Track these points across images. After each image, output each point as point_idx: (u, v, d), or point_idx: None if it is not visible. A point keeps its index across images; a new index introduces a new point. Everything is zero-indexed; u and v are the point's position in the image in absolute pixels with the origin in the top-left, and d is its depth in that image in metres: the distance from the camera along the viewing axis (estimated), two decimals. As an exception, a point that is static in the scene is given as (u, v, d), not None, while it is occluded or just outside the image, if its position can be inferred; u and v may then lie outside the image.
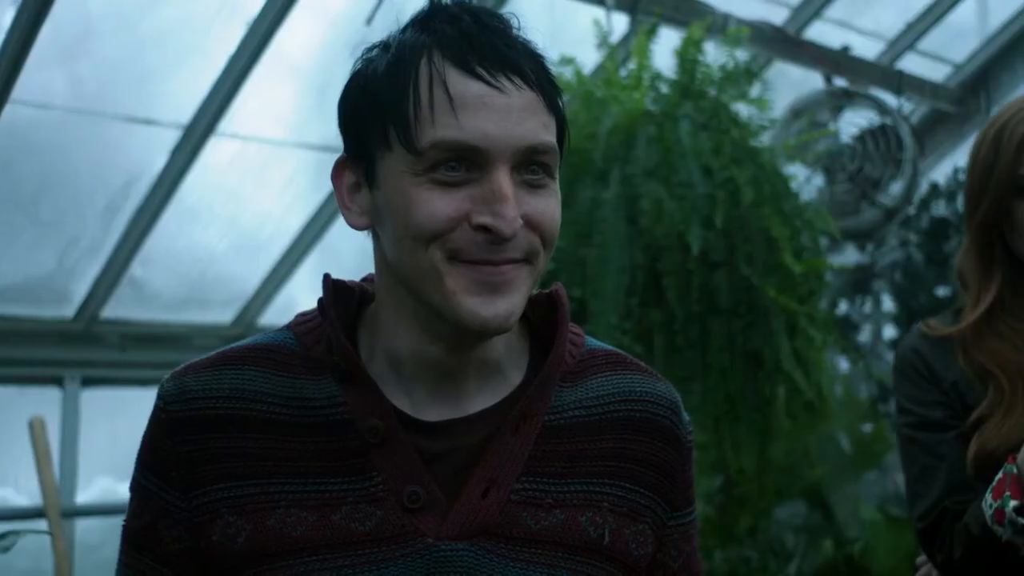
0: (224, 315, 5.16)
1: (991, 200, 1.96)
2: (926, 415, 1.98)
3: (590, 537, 1.27)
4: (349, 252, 4.83)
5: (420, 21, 1.25)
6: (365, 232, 1.30)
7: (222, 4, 4.08)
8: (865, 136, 5.17)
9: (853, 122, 5.23)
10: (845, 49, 5.55)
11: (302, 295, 5.08)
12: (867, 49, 5.84)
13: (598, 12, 4.28)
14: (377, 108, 1.22)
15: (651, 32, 3.77)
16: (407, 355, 1.27)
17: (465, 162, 1.19)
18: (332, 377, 1.27)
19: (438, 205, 1.19)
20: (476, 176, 1.20)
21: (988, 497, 1.80)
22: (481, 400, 1.29)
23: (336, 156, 1.30)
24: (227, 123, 4.35)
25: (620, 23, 4.57)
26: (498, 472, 1.25)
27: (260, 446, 1.25)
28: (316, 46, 4.48)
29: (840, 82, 5.39)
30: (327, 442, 1.25)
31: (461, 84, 1.19)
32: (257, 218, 4.94)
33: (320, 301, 1.30)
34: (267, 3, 4.03)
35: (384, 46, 1.26)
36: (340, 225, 4.65)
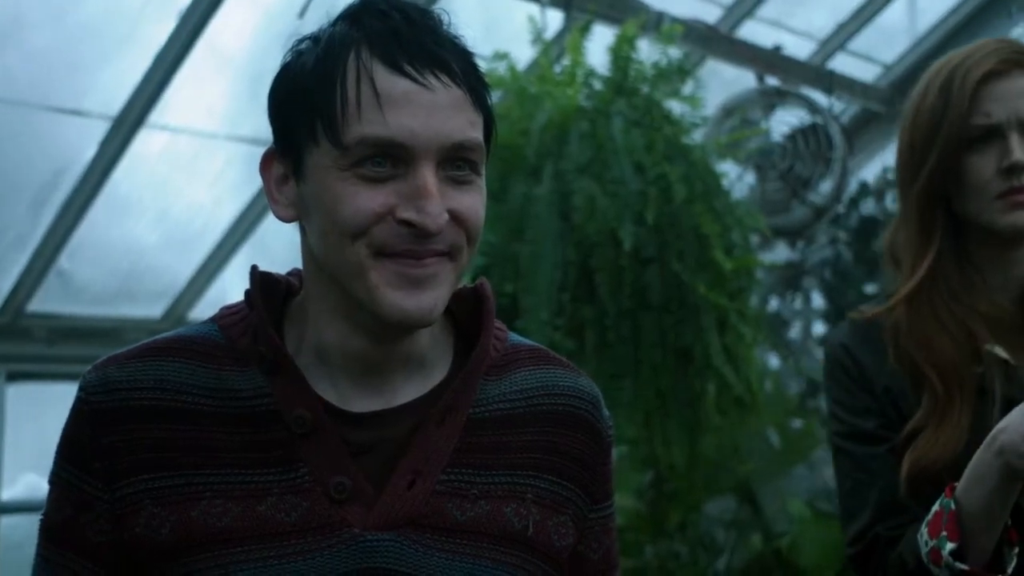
0: (154, 309, 5.11)
1: (939, 157, 1.75)
2: (856, 424, 1.78)
3: (515, 528, 1.29)
4: (281, 246, 4.81)
5: (350, 16, 1.26)
6: (296, 225, 1.30)
7: (152, -6, 4.04)
8: (796, 135, 5.22)
9: (784, 121, 5.28)
10: (777, 48, 5.61)
11: (234, 289, 5.05)
12: (799, 49, 5.90)
13: (533, 8, 4.28)
14: (305, 102, 1.23)
15: (585, 29, 3.79)
16: (333, 347, 1.28)
17: (391, 158, 1.20)
18: (258, 369, 1.27)
19: (363, 200, 1.20)
20: (402, 172, 1.21)
21: (924, 531, 1.61)
22: (407, 392, 1.29)
23: (268, 149, 1.31)
24: (157, 115, 4.31)
25: (554, 19, 4.58)
26: (424, 464, 1.26)
27: (184, 437, 1.24)
28: (249, 38, 4.45)
29: (772, 81, 5.44)
30: (253, 433, 1.25)
31: (388, 81, 1.20)
32: (188, 211, 4.90)
33: (247, 293, 1.31)
34: (199, -6, 4.00)
35: (314, 39, 1.26)
36: (273, 218, 4.61)
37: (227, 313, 1.32)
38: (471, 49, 1.27)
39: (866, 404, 1.78)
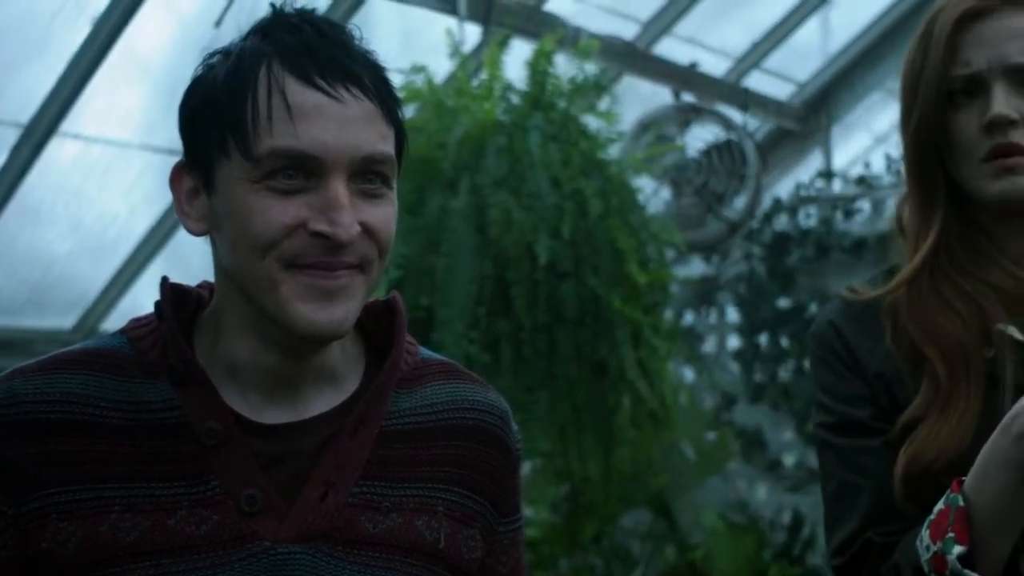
0: (65, 320, 5.04)
1: (920, 117, 1.50)
2: (846, 414, 1.52)
3: (426, 541, 1.29)
4: (196, 256, 4.73)
5: (261, 30, 1.26)
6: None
7: (66, 0, 3.99)
8: (711, 151, 5.30)
9: (700, 137, 5.35)
10: (693, 65, 5.67)
11: (147, 300, 4.92)
12: (714, 66, 5.98)
13: (451, 22, 4.30)
14: (216, 115, 1.23)
15: (503, 43, 3.81)
16: (244, 360, 1.27)
17: (302, 170, 1.21)
18: (168, 381, 1.26)
19: (274, 213, 1.20)
20: (313, 185, 1.21)
21: (925, 535, 1.36)
22: (319, 405, 1.29)
23: (183, 159, 1.30)
24: (70, 123, 4.25)
25: (473, 33, 4.60)
26: (336, 476, 1.26)
27: (93, 450, 1.23)
28: (164, 46, 4.41)
29: (688, 98, 5.50)
30: (163, 446, 1.24)
31: (299, 94, 1.21)
32: (101, 220, 4.84)
33: (157, 304, 1.30)
34: (113, 1, 3.96)
35: (225, 53, 1.26)
36: (187, 229, 4.56)
37: (136, 325, 1.32)
38: (383, 64, 1.28)
39: (857, 390, 1.52)
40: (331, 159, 1.20)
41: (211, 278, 1.34)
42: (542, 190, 3.46)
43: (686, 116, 5.33)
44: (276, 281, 1.21)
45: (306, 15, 1.26)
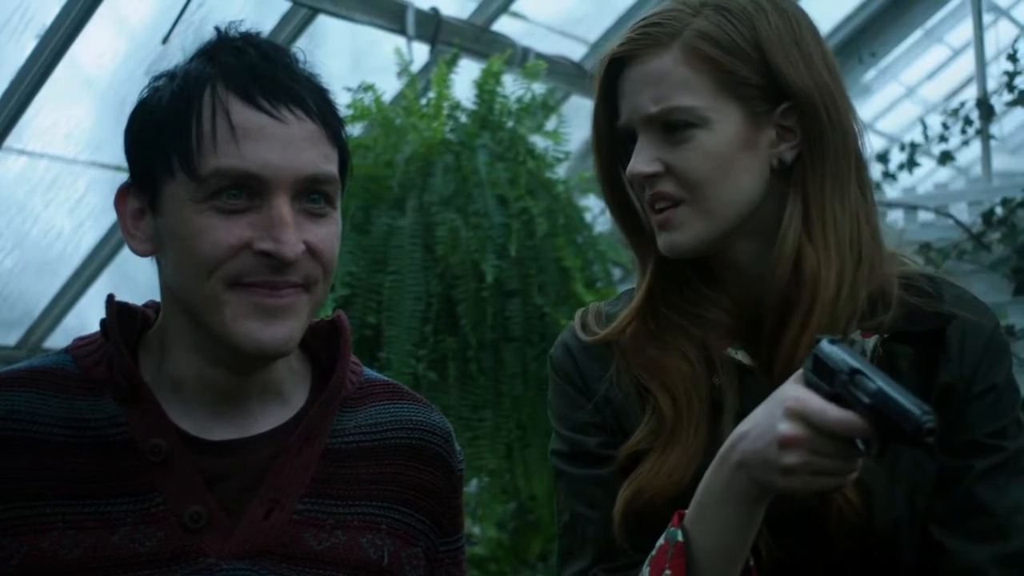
0: (8, 337, 4.99)
1: (599, 163, 1.49)
2: (577, 442, 1.45)
3: (370, 558, 1.30)
4: (142, 274, 4.66)
5: (206, 52, 1.28)
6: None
7: (11, 14, 3.96)
8: (657, 171, 5.32)
9: (646, 157, 5.37)
10: (640, 86, 5.71)
11: (93, 317, 4.89)
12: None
13: (400, 41, 4.31)
14: (161, 136, 1.24)
15: (451, 63, 3.83)
16: (189, 378, 1.29)
17: (247, 190, 1.22)
18: (113, 398, 1.27)
19: (219, 233, 1.21)
20: (257, 204, 1.23)
21: (645, 571, 1.31)
22: (265, 422, 1.31)
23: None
24: (15, 138, 4.22)
25: (421, 53, 4.62)
26: (281, 493, 1.27)
27: (36, 467, 1.23)
28: (112, 61, 4.39)
29: (635, 118, 5.53)
30: (106, 462, 1.25)
31: (243, 114, 1.22)
32: (47, 237, 4.80)
33: (103, 322, 1.31)
34: (60, 15, 3.93)
35: (170, 75, 1.28)
36: (133, 246, 4.52)
37: (81, 344, 1.32)
38: (326, 85, 1.30)
39: (588, 418, 1.46)
40: (275, 178, 1.22)
41: (157, 296, 1.34)
42: (489, 209, 3.48)
43: (633, 137, 5.37)
44: (221, 301, 1.22)
45: (250, 38, 1.28)
